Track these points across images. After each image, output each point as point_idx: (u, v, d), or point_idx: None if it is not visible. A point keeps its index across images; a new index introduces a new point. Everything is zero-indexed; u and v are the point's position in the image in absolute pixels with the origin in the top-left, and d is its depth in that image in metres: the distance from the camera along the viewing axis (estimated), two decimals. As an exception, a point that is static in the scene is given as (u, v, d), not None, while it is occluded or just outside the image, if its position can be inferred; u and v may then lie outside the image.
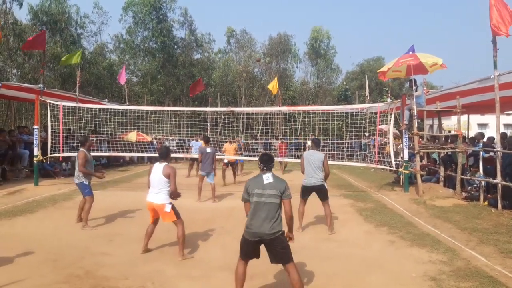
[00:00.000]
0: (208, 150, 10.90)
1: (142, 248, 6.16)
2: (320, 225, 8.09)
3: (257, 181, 4.46)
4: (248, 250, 4.37)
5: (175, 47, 36.34)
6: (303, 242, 6.81)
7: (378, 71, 13.31)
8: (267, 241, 4.28)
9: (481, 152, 10.36)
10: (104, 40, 36.87)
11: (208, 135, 13.28)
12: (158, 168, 6.08)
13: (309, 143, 16.16)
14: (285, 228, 4.43)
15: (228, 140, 15.57)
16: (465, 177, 10.78)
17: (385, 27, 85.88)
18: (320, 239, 7.07)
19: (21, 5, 26.66)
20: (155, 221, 6.27)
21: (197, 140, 17.64)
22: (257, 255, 4.43)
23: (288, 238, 4.45)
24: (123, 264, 5.59)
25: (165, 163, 6.15)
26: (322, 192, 7.55)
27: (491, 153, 10.31)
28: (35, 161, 12.87)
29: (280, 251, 4.30)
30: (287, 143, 19.44)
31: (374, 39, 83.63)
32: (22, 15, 27.62)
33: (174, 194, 6.05)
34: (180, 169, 18.52)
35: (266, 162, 4.55)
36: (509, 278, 5.03)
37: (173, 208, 6.09)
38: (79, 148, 7.96)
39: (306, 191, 7.63)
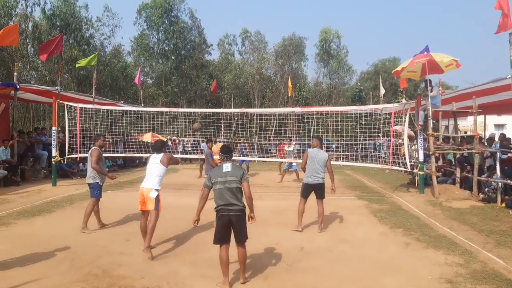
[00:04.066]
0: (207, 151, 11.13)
1: (145, 246, 6.02)
2: (334, 226, 8.07)
3: (218, 171, 5.07)
4: (222, 230, 4.93)
5: (188, 48, 36.48)
6: (318, 243, 6.82)
7: (392, 71, 13.20)
8: (234, 218, 4.90)
9: (498, 153, 10.21)
10: (119, 42, 37.36)
11: (211, 138, 13.45)
12: (156, 158, 6.42)
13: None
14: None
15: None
16: (482, 178, 10.63)
17: (400, 28, 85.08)
18: (334, 240, 7.05)
19: (43, 11, 27.24)
20: (146, 214, 6.32)
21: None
22: (229, 236, 5.00)
23: (249, 218, 5.08)
24: (140, 264, 5.67)
25: (162, 153, 6.46)
26: (320, 191, 7.67)
27: (509, 154, 10.16)
28: (53, 162, 13.11)
29: (242, 230, 4.99)
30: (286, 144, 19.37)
31: (389, 40, 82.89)
32: (37, 17, 28.01)
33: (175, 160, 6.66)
34: (194, 169, 18.77)
35: (226, 153, 5.21)
36: (527, 281, 4.95)
37: (158, 198, 6.23)
38: (93, 146, 7.84)
39: (307, 189, 7.70)
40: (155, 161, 6.40)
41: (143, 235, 6.27)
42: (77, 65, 19.34)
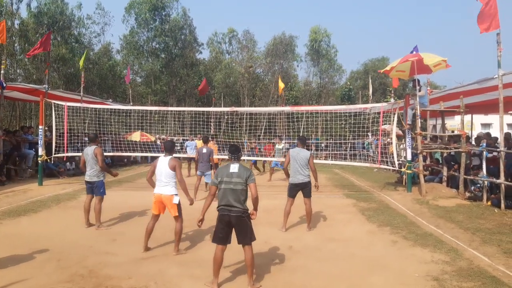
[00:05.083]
0: (204, 150, 10.87)
1: (143, 247, 6.25)
2: (322, 225, 8.11)
3: (225, 170, 5.01)
4: (222, 230, 4.91)
5: (178, 46, 36.22)
6: (306, 242, 6.84)
7: (381, 71, 13.27)
8: (234, 219, 4.85)
9: (484, 152, 10.33)
10: (108, 41, 36.99)
11: (209, 135, 13.31)
12: (164, 161, 6.27)
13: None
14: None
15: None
16: (468, 177, 10.75)
17: (391, 28, 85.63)
18: (323, 239, 7.08)
19: (29, 7, 26.88)
20: (156, 217, 6.36)
21: (192, 140, 17.78)
22: (228, 238, 4.95)
23: (251, 215, 5.03)
24: (127, 264, 5.63)
25: (170, 156, 6.33)
26: (307, 189, 7.70)
27: (495, 153, 10.29)
28: (39, 161, 12.94)
29: (244, 232, 4.92)
30: (272, 144, 19.38)
31: (379, 39, 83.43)
32: (24, 14, 27.66)
33: (182, 184, 6.24)
34: (183, 168, 18.66)
35: (233, 152, 5.16)
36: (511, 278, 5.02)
37: (179, 204, 6.27)
38: (91, 145, 7.78)
39: (293, 189, 7.75)
40: (164, 166, 6.24)
41: (146, 236, 6.29)
42: (80, 69, 19.07)
